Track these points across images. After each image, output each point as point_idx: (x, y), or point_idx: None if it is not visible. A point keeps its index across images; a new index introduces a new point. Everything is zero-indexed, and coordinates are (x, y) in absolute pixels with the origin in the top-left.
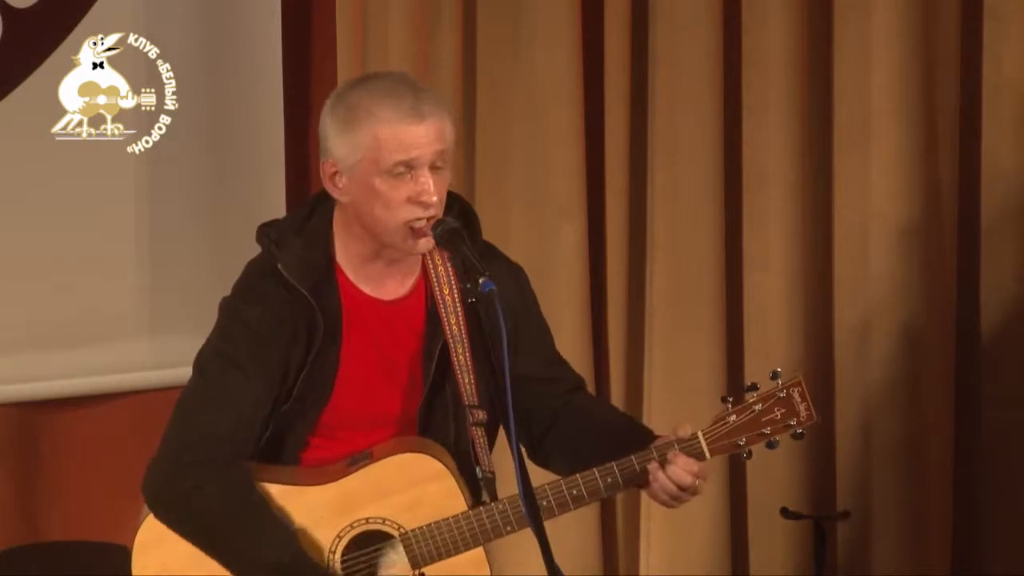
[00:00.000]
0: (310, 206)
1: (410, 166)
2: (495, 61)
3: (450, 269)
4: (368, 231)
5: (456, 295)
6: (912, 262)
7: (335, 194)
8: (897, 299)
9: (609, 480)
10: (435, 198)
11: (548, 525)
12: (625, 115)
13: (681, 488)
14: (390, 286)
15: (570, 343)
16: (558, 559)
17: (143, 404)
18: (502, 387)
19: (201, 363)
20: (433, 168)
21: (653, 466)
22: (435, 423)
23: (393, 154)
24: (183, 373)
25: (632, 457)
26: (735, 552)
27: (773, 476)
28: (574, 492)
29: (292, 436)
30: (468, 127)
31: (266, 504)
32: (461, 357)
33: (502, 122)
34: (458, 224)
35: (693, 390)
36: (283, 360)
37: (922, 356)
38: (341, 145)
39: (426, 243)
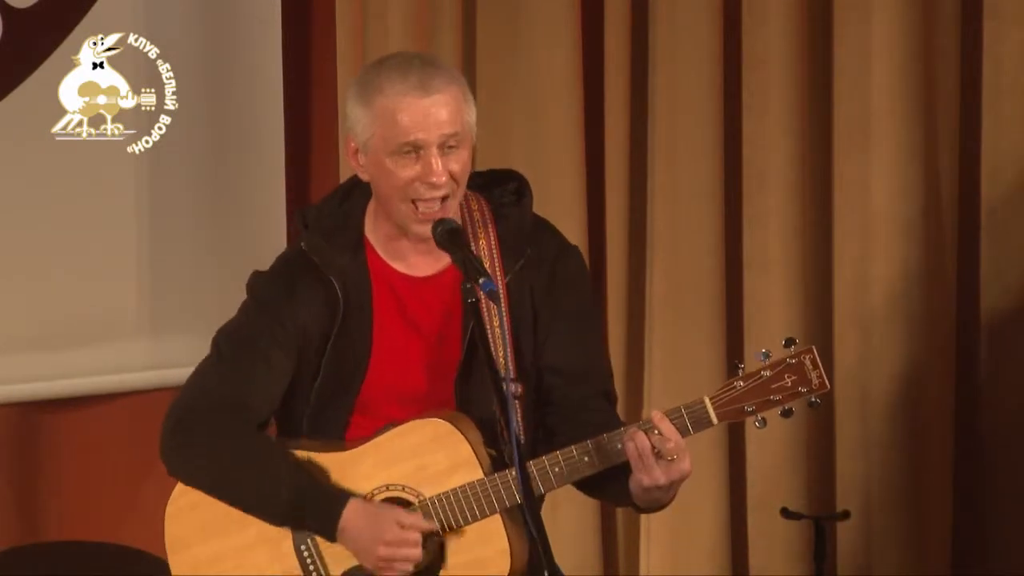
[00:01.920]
0: (347, 188)
1: (416, 146)
2: (495, 61)
3: (492, 243)
4: (384, 209)
5: (496, 268)
6: (912, 262)
7: (357, 171)
8: (897, 299)
9: (619, 446)
10: (444, 178)
11: (548, 526)
12: (625, 115)
13: (656, 451)
14: (424, 263)
15: None
16: (558, 558)
17: (143, 404)
18: (501, 387)
19: (217, 337)
20: (443, 148)
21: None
22: (476, 397)
23: (399, 134)
24: (183, 373)
25: (642, 420)
26: (735, 552)
27: (773, 476)
28: (585, 459)
29: (334, 414)
30: None
31: (274, 445)
32: (496, 331)
33: (502, 122)
34: (458, 224)
35: (693, 390)
36: (300, 336)
37: (922, 356)
38: (357, 121)
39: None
